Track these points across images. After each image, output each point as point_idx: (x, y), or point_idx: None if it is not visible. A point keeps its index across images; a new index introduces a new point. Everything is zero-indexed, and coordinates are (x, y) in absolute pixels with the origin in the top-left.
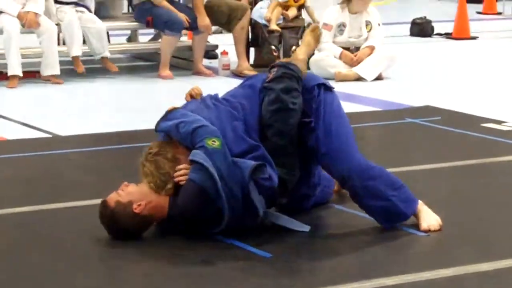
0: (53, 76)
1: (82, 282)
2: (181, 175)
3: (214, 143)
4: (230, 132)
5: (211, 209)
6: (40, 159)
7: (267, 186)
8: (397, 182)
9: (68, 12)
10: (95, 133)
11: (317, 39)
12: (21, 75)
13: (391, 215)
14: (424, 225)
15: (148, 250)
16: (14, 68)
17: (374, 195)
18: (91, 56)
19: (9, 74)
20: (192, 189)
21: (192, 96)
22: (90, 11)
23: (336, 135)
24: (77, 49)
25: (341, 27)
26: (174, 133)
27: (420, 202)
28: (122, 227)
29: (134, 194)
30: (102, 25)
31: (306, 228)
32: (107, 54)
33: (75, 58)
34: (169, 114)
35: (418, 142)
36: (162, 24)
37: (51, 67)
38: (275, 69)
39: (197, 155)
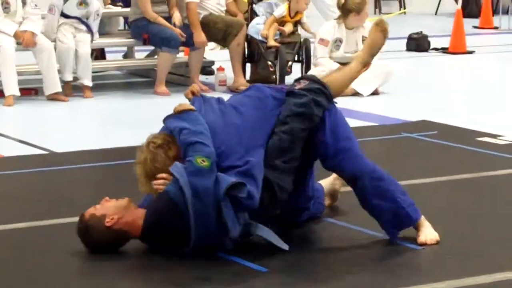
0: (56, 94)
1: None
2: (160, 184)
3: (203, 162)
4: (234, 145)
5: (178, 224)
6: (37, 175)
7: (246, 204)
8: (402, 188)
9: (67, 36)
10: (91, 150)
11: (384, 34)
12: (18, 94)
13: (398, 218)
14: (422, 237)
15: (143, 266)
16: (11, 88)
17: (383, 196)
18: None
19: (5, 94)
20: (163, 199)
21: (193, 93)
22: (90, 32)
23: (345, 138)
24: (69, 75)
25: (338, 42)
26: (176, 135)
27: (422, 216)
28: (94, 241)
29: (110, 208)
30: (88, 51)
31: (286, 246)
32: (88, 83)
33: (66, 83)
34: (183, 113)
35: (415, 156)
36: (159, 41)
37: (53, 86)
38: (306, 82)
39: (176, 168)
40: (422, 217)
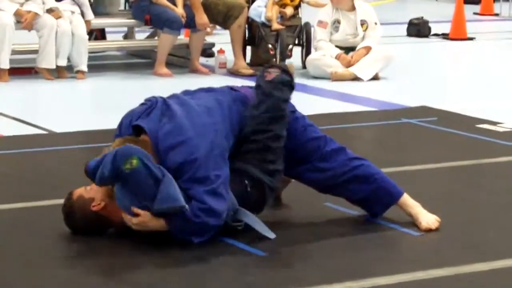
0: (47, 69)
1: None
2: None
3: (131, 165)
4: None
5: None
6: (34, 155)
7: (212, 224)
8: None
9: (63, 18)
10: (90, 130)
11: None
12: (7, 67)
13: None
14: (424, 224)
15: (140, 247)
16: (4, 62)
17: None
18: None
19: (1, 67)
20: None
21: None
22: (82, 10)
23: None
24: (63, 60)
25: (336, 23)
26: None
27: (417, 204)
28: (76, 221)
29: (98, 193)
30: (84, 35)
31: (272, 235)
32: (83, 68)
33: (59, 67)
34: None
35: (414, 142)
36: (161, 22)
37: (47, 61)
38: (277, 71)
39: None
40: (417, 204)
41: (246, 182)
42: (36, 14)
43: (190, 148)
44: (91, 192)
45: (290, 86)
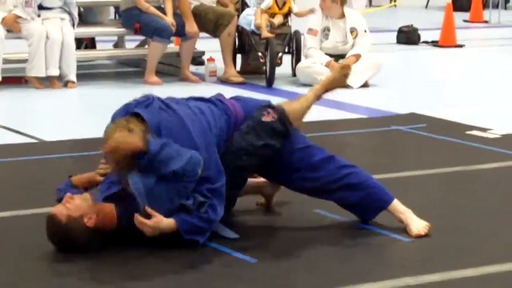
0: (36, 78)
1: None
2: None
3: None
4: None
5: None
6: (25, 164)
7: (212, 218)
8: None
9: (54, 26)
10: (81, 139)
11: (344, 79)
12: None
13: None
14: (414, 230)
15: (132, 256)
16: None
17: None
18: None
19: None
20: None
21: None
22: (72, 18)
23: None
24: (54, 69)
25: (326, 31)
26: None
27: (408, 210)
28: (75, 242)
29: (83, 207)
30: (72, 44)
31: (235, 235)
32: (72, 78)
33: (51, 77)
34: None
35: (404, 149)
36: (151, 31)
37: (37, 69)
38: (274, 117)
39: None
40: (408, 210)
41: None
42: (19, 17)
43: (193, 147)
44: (76, 210)
45: (282, 135)
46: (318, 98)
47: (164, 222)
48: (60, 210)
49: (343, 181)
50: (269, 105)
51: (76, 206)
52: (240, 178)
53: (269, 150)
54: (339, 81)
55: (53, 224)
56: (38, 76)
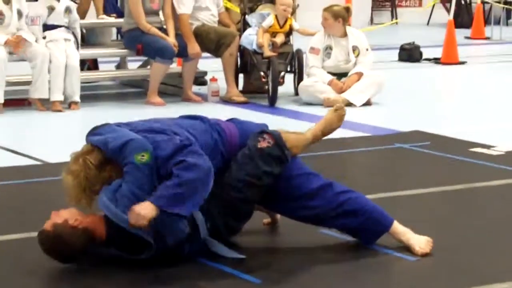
0: (40, 100)
1: None
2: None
3: (143, 157)
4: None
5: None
6: (29, 186)
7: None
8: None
9: (58, 49)
10: None
11: (340, 119)
12: (2, 101)
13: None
14: (417, 249)
15: (135, 273)
16: None
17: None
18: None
19: None
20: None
21: None
22: (75, 38)
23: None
24: (58, 95)
25: (328, 50)
26: (103, 148)
27: (407, 230)
28: (66, 245)
29: (66, 214)
30: (77, 65)
31: (240, 256)
32: (76, 99)
33: (54, 102)
34: (99, 128)
35: (407, 167)
36: (153, 51)
37: (40, 91)
38: (270, 142)
39: (102, 203)
40: (408, 230)
41: (207, 222)
42: (24, 40)
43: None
44: (59, 218)
45: (279, 160)
46: (316, 139)
47: (142, 206)
48: (46, 224)
49: (341, 208)
50: (264, 131)
51: (60, 214)
52: (244, 210)
53: (269, 179)
54: (335, 123)
55: (42, 237)
56: (41, 98)
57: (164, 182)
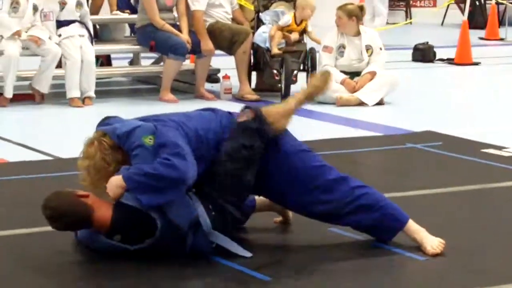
0: (38, 91)
1: None
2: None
3: (150, 140)
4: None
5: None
6: (40, 181)
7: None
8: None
9: (73, 46)
10: None
11: (326, 83)
12: (11, 96)
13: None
14: (429, 248)
15: (144, 270)
16: (8, 91)
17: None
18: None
19: (5, 95)
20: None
21: None
22: (89, 32)
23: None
24: (76, 91)
25: (341, 48)
26: (112, 136)
27: (422, 229)
28: (60, 207)
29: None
30: (92, 60)
31: (249, 254)
32: (91, 94)
33: (73, 98)
34: (107, 119)
35: (419, 167)
36: (166, 48)
37: (41, 85)
38: (248, 116)
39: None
40: (422, 229)
41: (210, 206)
42: (40, 39)
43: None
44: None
45: (258, 133)
46: (299, 103)
47: (113, 178)
48: None
49: (356, 203)
50: (246, 106)
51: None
52: (237, 187)
53: (248, 152)
54: (320, 88)
55: (46, 199)
56: (40, 91)
57: (142, 165)
